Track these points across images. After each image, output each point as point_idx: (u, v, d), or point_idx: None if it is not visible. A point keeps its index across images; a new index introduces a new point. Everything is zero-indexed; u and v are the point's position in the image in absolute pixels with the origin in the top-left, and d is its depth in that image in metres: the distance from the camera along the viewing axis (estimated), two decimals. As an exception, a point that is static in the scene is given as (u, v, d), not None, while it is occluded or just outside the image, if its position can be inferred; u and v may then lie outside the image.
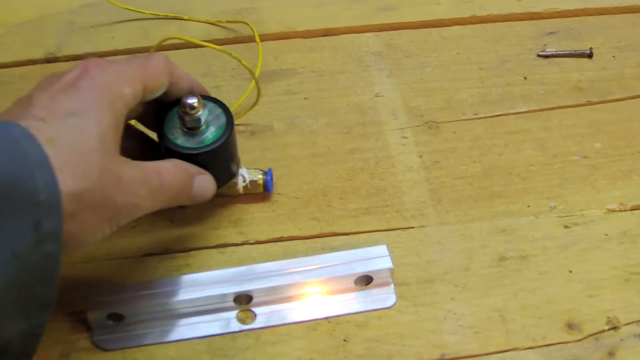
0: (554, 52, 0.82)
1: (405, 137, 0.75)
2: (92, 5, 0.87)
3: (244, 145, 0.73)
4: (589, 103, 0.78)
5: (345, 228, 0.69)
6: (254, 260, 0.67)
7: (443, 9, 0.86)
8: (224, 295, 0.63)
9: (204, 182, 0.62)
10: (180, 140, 0.62)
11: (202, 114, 0.61)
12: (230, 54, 0.68)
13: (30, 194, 0.46)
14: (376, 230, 0.69)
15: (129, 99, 0.56)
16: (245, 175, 0.68)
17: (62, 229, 0.48)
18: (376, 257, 0.64)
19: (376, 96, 0.78)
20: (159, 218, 0.69)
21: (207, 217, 0.70)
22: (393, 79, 0.79)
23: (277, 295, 0.64)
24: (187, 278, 0.63)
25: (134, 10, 0.84)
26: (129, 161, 0.55)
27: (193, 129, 0.61)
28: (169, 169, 0.59)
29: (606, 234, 0.69)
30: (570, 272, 0.66)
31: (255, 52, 0.81)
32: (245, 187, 0.68)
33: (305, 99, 0.78)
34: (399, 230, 0.69)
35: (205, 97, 0.63)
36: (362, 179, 0.72)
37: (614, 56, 0.82)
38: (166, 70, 0.59)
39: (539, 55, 0.82)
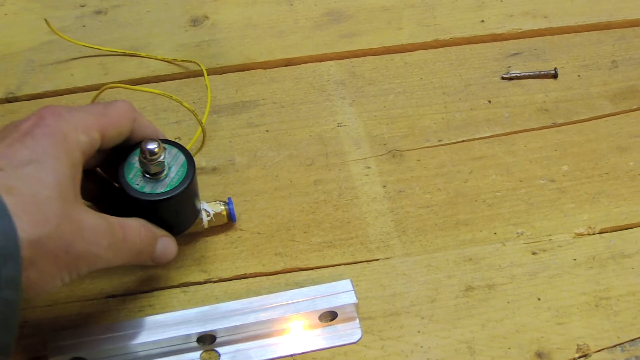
0: (518, 74, 0.81)
1: (368, 167, 0.74)
2: (51, 42, 0.86)
3: (205, 181, 0.73)
4: (555, 125, 0.77)
5: (309, 262, 0.68)
6: (218, 299, 0.66)
7: (405, 33, 0.85)
8: (187, 336, 0.62)
9: (167, 244, 0.62)
10: (145, 187, 0.60)
11: (164, 158, 0.60)
12: (170, 97, 0.68)
13: None
14: (341, 264, 0.68)
15: (86, 147, 0.55)
16: (208, 209, 0.67)
17: (20, 276, 0.48)
18: (340, 292, 0.63)
19: (338, 126, 0.77)
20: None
21: (170, 255, 0.68)
22: (355, 107, 0.79)
23: (241, 334, 0.63)
24: (150, 320, 0.63)
25: (93, 48, 0.82)
26: (91, 210, 0.55)
27: (156, 174, 0.60)
28: (133, 226, 0.58)
29: (575, 259, 0.68)
30: (539, 299, 0.66)
31: (215, 85, 0.80)
32: (210, 221, 0.67)
33: (267, 131, 0.77)
34: (364, 263, 0.68)
35: (163, 140, 0.62)
36: (326, 212, 0.71)
37: (579, 75, 0.81)
38: (128, 117, 0.59)
39: (503, 78, 0.81)
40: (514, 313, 0.65)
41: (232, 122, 0.78)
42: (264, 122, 0.78)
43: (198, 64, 0.80)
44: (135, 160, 0.60)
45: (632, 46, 0.85)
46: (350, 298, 0.63)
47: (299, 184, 0.73)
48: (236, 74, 0.82)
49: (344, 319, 0.64)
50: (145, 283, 0.67)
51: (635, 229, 0.70)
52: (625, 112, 0.78)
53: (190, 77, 0.82)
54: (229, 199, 0.69)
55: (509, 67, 0.82)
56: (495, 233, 0.70)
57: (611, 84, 0.81)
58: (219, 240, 0.69)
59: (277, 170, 0.74)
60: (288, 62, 0.83)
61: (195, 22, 0.88)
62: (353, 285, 0.64)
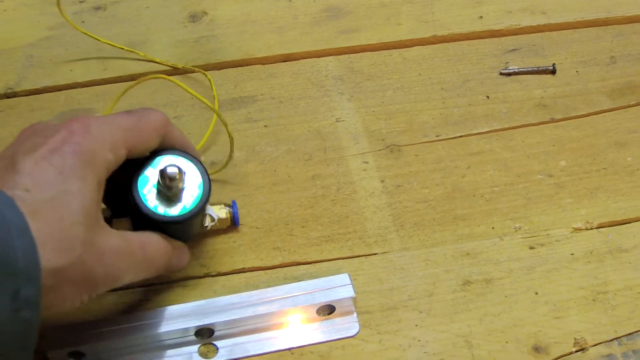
0: (516, 70, 0.81)
1: (366, 162, 0.74)
2: (50, 38, 0.86)
3: (203, 176, 0.72)
4: (553, 120, 0.77)
5: (308, 257, 0.68)
6: (216, 293, 0.66)
7: (404, 29, 0.85)
8: (185, 330, 0.62)
9: (182, 254, 0.62)
10: (158, 206, 0.59)
11: (182, 184, 0.59)
12: (206, 104, 0.67)
13: (10, 262, 0.46)
14: (339, 258, 0.68)
15: (112, 165, 0.55)
16: (213, 214, 0.66)
17: (40, 297, 0.47)
18: (338, 286, 0.63)
19: (337, 121, 0.77)
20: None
21: (168, 250, 0.68)
22: (354, 103, 0.79)
23: (238, 328, 0.63)
24: (148, 313, 0.63)
25: (93, 38, 0.82)
26: (113, 231, 0.54)
27: (172, 197, 0.59)
28: (153, 243, 0.58)
29: (572, 254, 0.68)
30: (536, 294, 0.66)
31: (214, 80, 0.80)
32: (213, 225, 0.67)
33: (266, 126, 0.77)
34: (362, 257, 0.68)
35: (185, 155, 0.62)
36: (324, 206, 0.71)
37: (577, 71, 0.81)
38: (159, 133, 0.59)
39: (501, 74, 0.81)
40: (511, 307, 0.65)
41: (231, 118, 0.78)
42: (263, 118, 0.78)
43: (205, 75, 0.80)
44: (150, 172, 0.60)
45: (630, 42, 0.85)
46: (348, 292, 0.63)
47: (297, 178, 0.73)
48: (235, 69, 0.82)
49: (341, 312, 0.64)
50: (143, 277, 0.67)
51: (633, 224, 0.70)
52: (624, 108, 0.78)
53: (188, 73, 0.82)
54: (234, 202, 0.69)
55: (507, 62, 0.82)
56: (493, 228, 0.70)
57: (609, 79, 0.81)
58: (218, 235, 0.69)
59: (276, 165, 0.74)
60: (286, 58, 0.83)
61: (194, 18, 0.88)
62: (351, 279, 0.64)
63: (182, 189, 0.59)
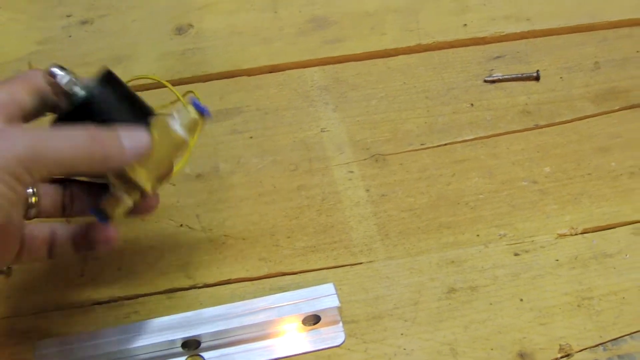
0: (500, 77, 0.81)
1: (351, 172, 0.74)
2: (39, 52, 0.87)
3: (189, 188, 0.73)
4: (537, 127, 0.78)
5: (293, 267, 0.69)
6: (202, 305, 0.66)
7: (388, 38, 0.85)
8: (172, 342, 0.62)
9: (133, 133, 0.56)
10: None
11: (70, 75, 0.55)
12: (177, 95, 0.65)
13: None
14: (324, 268, 0.69)
15: None
16: (177, 116, 0.60)
17: None
18: (323, 296, 0.64)
19: (322, 131, 0.77)
20: (107, 265, 0.69)
21: (155, 261, 0.69)
22: (339, 112, 0.79)
23: (225, 339, 0.64)
24: (135, 326, 0.63)
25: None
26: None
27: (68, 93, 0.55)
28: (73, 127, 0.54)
29: (557, 260, 0.68)
30: (521, 300, 0.66)
31: (200, 92, 0.80)
32: (187, 128, 0.60)
33: (251, 137, 0.77)
34: (347, 267, 0.69)
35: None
36: (309, 217, 0.71)
37: (561, 77, 0.82)
38: (30, 80, 0.57)
39: (485, 81, 0.81)
40: (496, 314, 0.65)
41: (216, 129, 0.78)
42: (248, 129, 0.78)
43: (194, 94, 0.78)
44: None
45: (614, 47, 0.85)
46: (333, 302, 0.63)
47: (283, 189, 0.73)
48: (221, 81, 0.83)
49: (327, 322, 0.65)
50: (130, 289, 0.68)
51: (617, 229, 0.71)
52: (607, 113, 0.79)
53: (174, 86, 0.82)
54: (190, 97, 0.63)
55: (492, 70, 0.83)
56: (477, 235, 0.70)
57: (593, 85, 0.81)
58: (204, 247, 0.70)
59: (261, 176, 0.75)
60: (272, 69, 0.84)
61: (180, 30, 0.88)
62: (336, 289, 0.64)
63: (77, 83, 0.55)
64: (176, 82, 0.82)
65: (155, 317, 0.64)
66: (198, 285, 0.68)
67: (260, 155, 0.76)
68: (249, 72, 0.84)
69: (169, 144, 0.58)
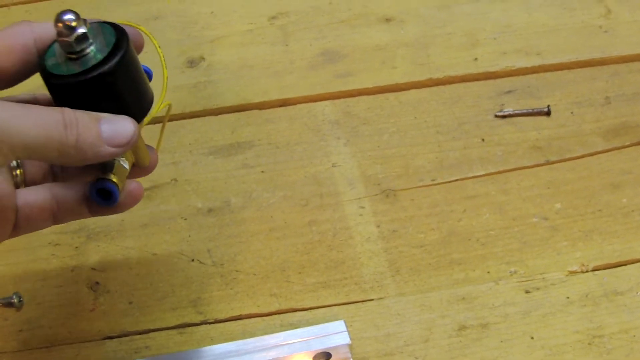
0: (511, 112, 0.81)
1: (362, 207, 0.74)
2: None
3: (200, 223, 0.73)
4: (548, 162, 0.78)
5: (304, 303, 0.69)
6: (213, 340, 0.67)
7: (399, 72, 0.86)
8: (183, 379, 0.62)
9: (116, 120, 0.51)
10: (64, 67, 0.50)
11: (84, 31, 0.49)
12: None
13: None
14: (335, 304, 0.69)
15: None
16: None
17: None
18: (334, 333, 0.64)
19: (333, 166, 0.78)
20: (118, 299, 0.69)
21: (167, 296, 0.69)
22: (350, 147, 0.79)
23: (236, 376, 0.63)
24: (145, 362, 0.63)
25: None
26: None
27: (75, 53, 0.50)
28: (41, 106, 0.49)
29: (568, 297, 0.68)
30: (532, 338, 0.66)
31: (211, 126, 0.81)
32: None
33: (262, 172, 0.77)
34: (358, 303, 0.69)
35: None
36: (320, 252, 0.72)
37: (572, 112, 0.82)
38: (24, 33, 0.52)
39: (496, 116, 0.82)
40: (507, 352, 0.65)
41: (228, 164, 0.78)
42: (260, 163, 0.78)
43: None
44: (57, 45, 0.51)
45: (625, 82, 0.85)
46: (343, 339, 0.64)
47: (294, 224, 0.74)
48: (232, 114, 0.83)
49: (338, 359, 0.64)
50: (141, 324, 0.68)
51: (628, 266, 0.71)
52: (618, 149, 0.79)
53: (185, 119, 0.82)
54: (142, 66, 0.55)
55: (502, 105, 0.83)
56: (488, 272, 0.70)
57: (604, 120, 0.81)
58: (215, 282, 0.70)
59: (272, 211, 0.75)
60: (283, 103, 0.84)
61: (191, 63, 0.88)
62: (346, 326, 0.64)
63: (91, 44, 0.50)
64: (188, 115, 0.83)
65: (166, 353, 0.64)
66: (209, 321, 0.68)
67: (271, 190, 0.76)
68: (260, 106, 0.84)
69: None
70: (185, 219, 0.74)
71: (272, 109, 0.83)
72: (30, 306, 0.69)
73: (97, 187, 0.52)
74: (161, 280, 0.70)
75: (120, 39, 0.50)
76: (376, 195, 0.76)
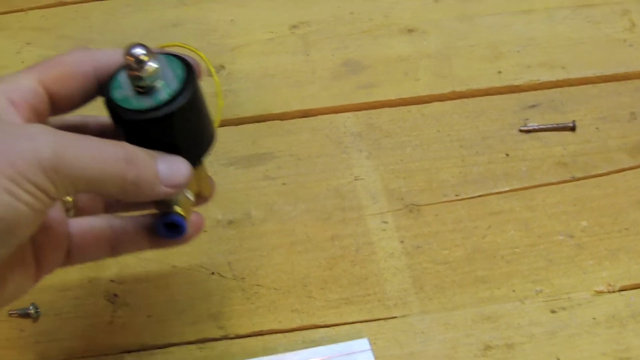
0: (536, 127, 0.80)
1: (385, 222, 0.73)
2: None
3: (221, 235, 0.72)
4: (573, 179, 0.76)
5: (326, 319, 0.68)
6: (234, 356, 0.66)
7: (422, 85, 0.85)
8: (203, 395, 0.61)
9: (173, 161, 0.51)
10: (133, 101, 0.50)
11: (156, 66, 0.49)
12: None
13: None
14: (358, 321, 0.68)
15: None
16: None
17: None
18: (357, 352, 0.63)
19: (356, 179, 0.77)
20: (136, 312, 0.68)
21: (186, 310, 0.69)
22: (372, 160, 0.78)
23: (257, 393, 0.63)
24: (165, 378, 0.62)
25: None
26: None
27: (145, 87, 0.50)
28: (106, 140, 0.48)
29: (594, 318, 0.67)
30: (558, 359, 0.65)
31: (232, 136, 0.80)
32: None
33: (284, 184, 0.76)
34: (381, 321, 0.68)
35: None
36: (343, 268, 0.71)
37: (597, 128, 0.81)
38: (86, 58, 0.52)
39: (520, 130, 0.80)
40: (533, 373, 0.64)
41: (248, 175, 0.77)
42: (281, 175, 0.77)
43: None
44: (122, 76, 0.51)
45: (650, 97, 0.84)
46: (367, 358, 0.63)
47: (316, 238, 0.73)
48: (252, 125, 0.82)
49: (361, 378, 0.64)
50: (161, 338, 0.67)
51: (655, 287, 0.70)
52: (644, 166, 0.78)
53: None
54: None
55: (527, 119, 0.82)
56: (514, 290, 0.69)
57: (630, 136, 0.80)
58: (236, 297, 0.69)
59: (294, 224, 0.74)
60: (305, 114, 0.83)
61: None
62: (370, 345, 0.63)
63: (159, 78, 0.50)
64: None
65: (185, 369, 0.63)
66: (230, 336, 0.67)
67: (293, 202, 0.75)
68: (281, 117, 0.83)
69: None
70: (205, 231, 0.73)
71: (293, 120, 0.82)
72: (47, 317, 0.68)
73: (165, 220, 0.53)
74: (181, 294, 0.69)
75: (189, 74, 0.50)
76: (399, 209, 0.74)
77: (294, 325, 0.68)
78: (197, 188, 0.57)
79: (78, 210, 0.55)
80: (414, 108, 0.83)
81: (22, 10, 0.96)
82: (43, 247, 0.52)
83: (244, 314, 0.68)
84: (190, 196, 0.55)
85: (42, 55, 0.89)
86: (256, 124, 0.82)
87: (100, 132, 0.56)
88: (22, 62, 0.90)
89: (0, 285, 0.49)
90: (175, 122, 0.50)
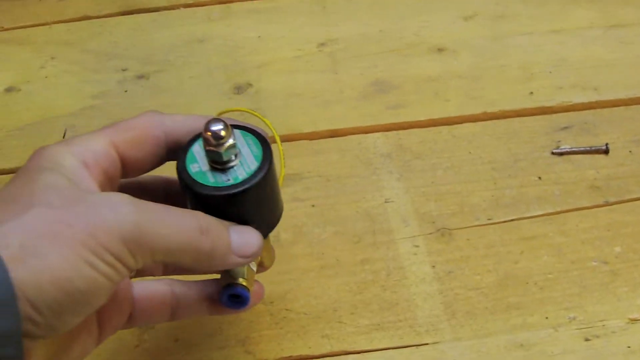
0: (568, 149, 0.79)
1: (417, 246, 0.72)
2: (93, 107, 0.85)
3: (249, 258, 0.71)
4: (607, 203, 0.75)
5: (357, 346, 0.67)
6: (262, 382, 0.64)
7: (453, 105, 0.84)
8: (230, 422, 0.60)
9: (245, 231, 0.53)
10: (209, 176, 0.51)
11: (233, 142, 0.51)
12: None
13: None
14: (389, 348, 0.67)
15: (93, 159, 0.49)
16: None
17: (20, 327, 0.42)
18: (389, 380, 0.62)
19: (386, 202, 0.76)
20: (163, 336, 0.67)
21: (214, 334, 0.68)
22: (403, 182, 0.77)
23: (286, 422, 0.62)
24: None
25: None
26: None
27: (222, 163, 0.51)
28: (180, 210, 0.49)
29: (629, 347, 0.66)
30: (593, 389, 0.64)
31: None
32: None
33: (313, 206, 0.75)
34: (413, 347, 0.66)
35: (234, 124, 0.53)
36: (374, 292, 0.70)
37: (630, 151, 0.80)
38: (154, 121, 0.53)
39: (553, 153, 0.79)
40: (567, 403, 0.63)
41: (278, 196, 0.76)
42: (310, 197, 0.76)
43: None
44: (197, 149, 0.52)
45: (684, 120, 0.83)
46: (399, 387, 0.62)
47: (346, 262, 0.72)
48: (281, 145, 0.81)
49: (393, 407, 0.63)
50: (188, 363, 0.66)
51: (691, 315, 0.68)
52: (679, 191, 0.77)
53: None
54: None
55: (559, 141, 0.81)
56: (547, 318, 0.68)
57: (663, 160, 0.79)
58: (264, 321, 0.68)
59: (324, 247, 0.73)
60: (333, 134, 0.82)
61: (239, 89, 0.87)
62: (403, 373, 0.62)
63: (234, 153, 0.51)
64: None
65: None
66: (258, 361, 0.66)
67: (322, 225, 0.74)
68: (309, 137, 0.82)
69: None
70: (234, 253, 0.72)
71: (321, 140, 0.82)
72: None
73: (230, 292, 0.54)
74: (208, 318, 0.68)
75: (265, 151, 0.53)
76: (431, 233, 0.73)
77: (324, 351, 0.67)
78: (260, 258, 0.58)
79: (138, 271, 0.54)
80: (444, 129, 0.82)
81: (46, 24, 0.96)
82: (108, 312, 0.53)
83: (273, 339, 0.67)
84: (253, 266, 0.57)
85: (66, 71, 0.89)
86: (284, 144, 0.81)
87: (154, 187, 0.58)
88: (46, 76, 0.90)
89: (66, 350, 0.50)
90: (250, 198, 0.52)
